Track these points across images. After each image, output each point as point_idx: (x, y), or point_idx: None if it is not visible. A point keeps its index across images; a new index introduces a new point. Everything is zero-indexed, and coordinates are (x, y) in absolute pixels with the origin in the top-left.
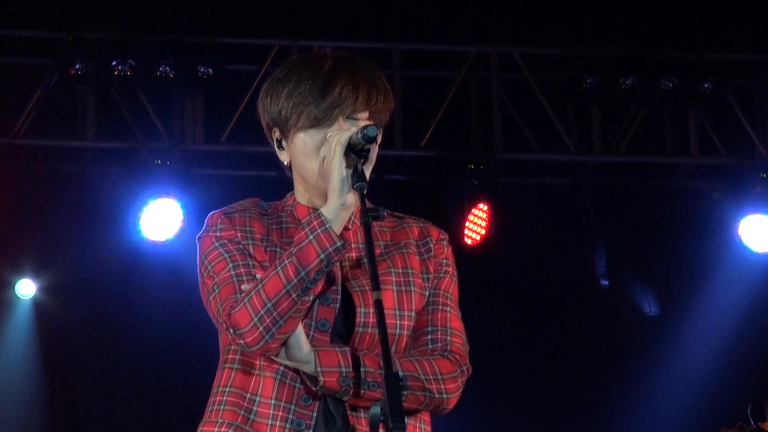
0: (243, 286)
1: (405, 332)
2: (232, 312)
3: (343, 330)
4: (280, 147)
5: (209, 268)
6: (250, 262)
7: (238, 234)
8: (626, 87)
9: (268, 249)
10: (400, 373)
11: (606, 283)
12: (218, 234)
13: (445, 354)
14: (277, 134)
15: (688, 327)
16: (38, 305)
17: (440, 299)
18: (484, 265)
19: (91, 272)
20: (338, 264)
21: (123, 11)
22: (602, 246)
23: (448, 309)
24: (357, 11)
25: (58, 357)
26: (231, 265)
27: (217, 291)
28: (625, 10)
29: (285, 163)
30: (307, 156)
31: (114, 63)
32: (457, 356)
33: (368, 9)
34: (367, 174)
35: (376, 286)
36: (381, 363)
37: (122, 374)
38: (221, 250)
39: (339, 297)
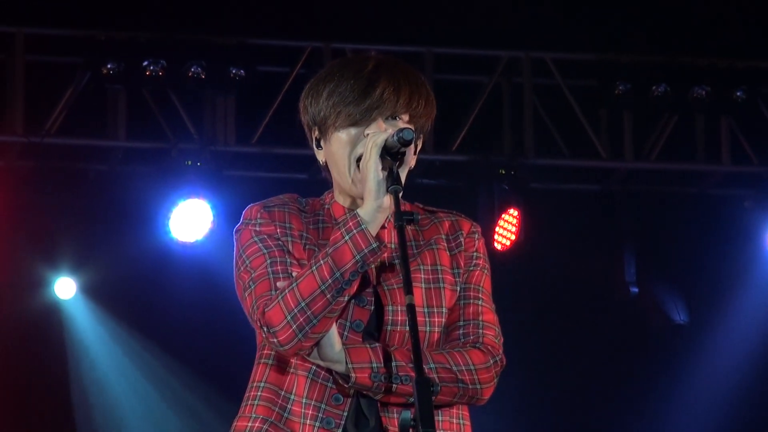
0: (279, 284)
1: (435, 329)
2: (266, 310)
3: (374, 329)
4: (318, 146)
5: (247, 262)
6: (288, 260)
7: (278, 230)
8: (658, 94)
9: (307, 247)
10: (433, 368)
11: (635, 290)
12: (257, 228)
13: (477, 345)
14: (316, 133)
15: (717, 335)
16: (72, 306)
17: (471, 293)
18: (514, 270)
19: (119, 273)
20: (373, 267)
21: (155, 11)
22: (632, 253)
23: (480, 302)
24: (389, 14)
25: (87, 358)
26: (269, 261)
27: (252, 287)
28: (659, 17)
29: (321, 162)
30: (339, 152)
31: (146, 63)
32: (490, 347)
33: (401, 12)
34: (403, 177)
35: (408, 290)
36: (413, 358)
37: (151, 377)
38: (260, 245)
39: (373, 299)
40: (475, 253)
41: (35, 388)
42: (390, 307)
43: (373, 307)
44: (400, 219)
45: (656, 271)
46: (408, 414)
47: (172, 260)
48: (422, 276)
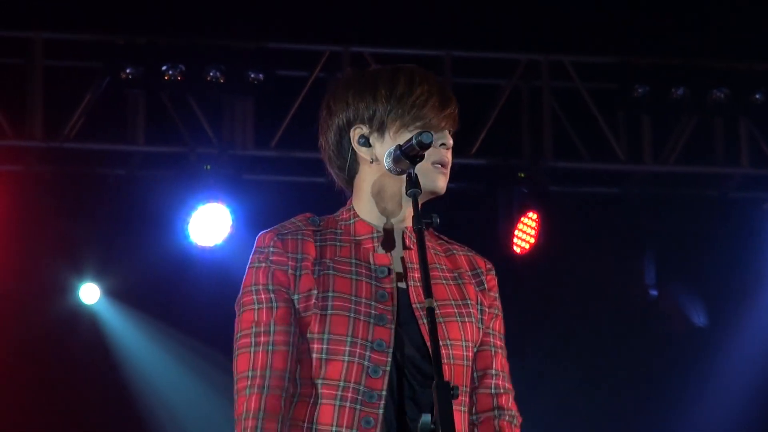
0: (252, 372)
1: (470, 363)
2: (235, 396)
3: (419, 357)
4: (366, 144)
5: (240, 310)
6: (273, 327)
7: (289, 262)
8: (677, 97)
9: (321, 273)
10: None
11: (655, 293)
12: (269, 260)
13: (513, 422)
14: (363, 131)
15: (737, 339)
16: (99, 311)
17: (498, 341)
18: (533, 274)
19: (140, 278)
20: (394, 284)
21: (174, 16)
22: (652, 256)
23: (503, 352)
24: (408, 18)
25: (108, 363)
26: (254, 330)
27: (235, 354)
28: (677, 20)
29: (371, 160)
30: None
31: (164, 67)
32: (518, 418)
33: (420, 16)
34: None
35: (428, 293)
36: (433, 364)
37: (170, 382)
38: (254, 297)
39: (394, 317)
40: (497, 295)
41: (77, 390)
42: (448, 342)
43: (394, 325)
44: (420, 222)
45: (676, 274)
46: (428, 417)
47: (192, 265)
48: (455, 310)
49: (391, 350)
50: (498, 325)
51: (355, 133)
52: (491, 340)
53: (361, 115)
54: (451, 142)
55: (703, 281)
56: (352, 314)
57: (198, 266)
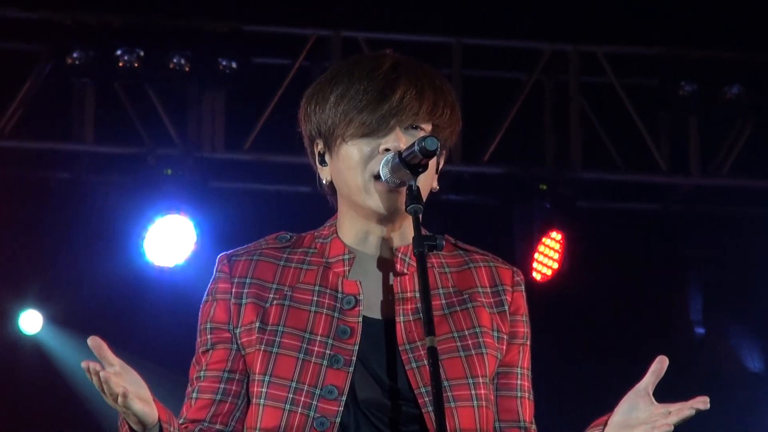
0: (180, 416)
1: (483, 403)
2: None
3: (394, 403)
4: (323, 162)
5: (196, 350)
6: (203, 372)
7: (233, 288)
8: (731, 96)
9: (274, 302)
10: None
11: (701, 330)
12: (214, 290)
13: None
14: (320, 147)
15: None
16: (36, 343)
17: (525, 382)
18: (556, 306)
19: (86, 303)
20: (360, 317)
21: None
22: (698, 285)
23: (530, 396)
24: None
25: (54, 399)
26: (192, 376)
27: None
28: (731, 8)
29: (326, 181)
30: (351, 170)
31: (119, 52)
32: None
33: None
34: (424, 197)
35: (429, 331)
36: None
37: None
38: (199, 339)
39: (353, 358)
40: (524, 318)
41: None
42: (422, 389)
43: (352, 368)
44: (421, 245)
45: (726, 308)
46: None
47: (148, 288)
48: (458, 344)
49: (344, 398)
50: (526, 360)
51: (316, 150)
52: (517, 381)
53: (317, 128)
54: (398, 145)
55: (760, 317)
56: (301, 355)
57: (156, 290)
